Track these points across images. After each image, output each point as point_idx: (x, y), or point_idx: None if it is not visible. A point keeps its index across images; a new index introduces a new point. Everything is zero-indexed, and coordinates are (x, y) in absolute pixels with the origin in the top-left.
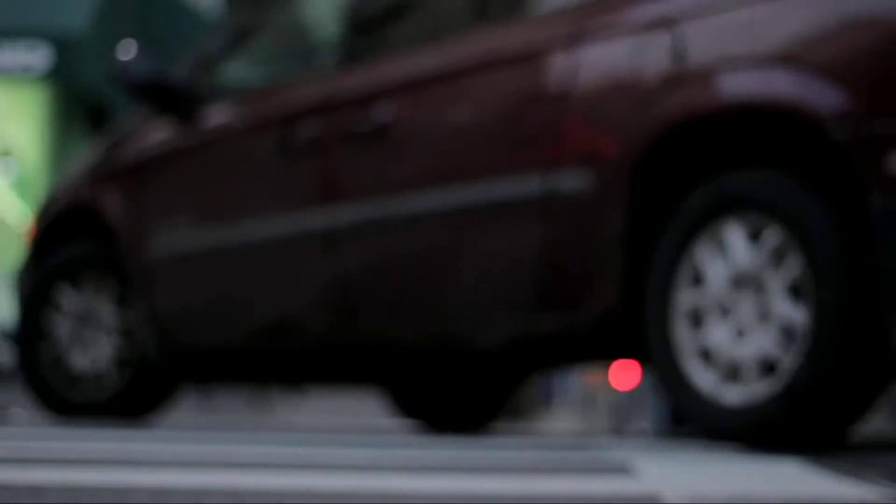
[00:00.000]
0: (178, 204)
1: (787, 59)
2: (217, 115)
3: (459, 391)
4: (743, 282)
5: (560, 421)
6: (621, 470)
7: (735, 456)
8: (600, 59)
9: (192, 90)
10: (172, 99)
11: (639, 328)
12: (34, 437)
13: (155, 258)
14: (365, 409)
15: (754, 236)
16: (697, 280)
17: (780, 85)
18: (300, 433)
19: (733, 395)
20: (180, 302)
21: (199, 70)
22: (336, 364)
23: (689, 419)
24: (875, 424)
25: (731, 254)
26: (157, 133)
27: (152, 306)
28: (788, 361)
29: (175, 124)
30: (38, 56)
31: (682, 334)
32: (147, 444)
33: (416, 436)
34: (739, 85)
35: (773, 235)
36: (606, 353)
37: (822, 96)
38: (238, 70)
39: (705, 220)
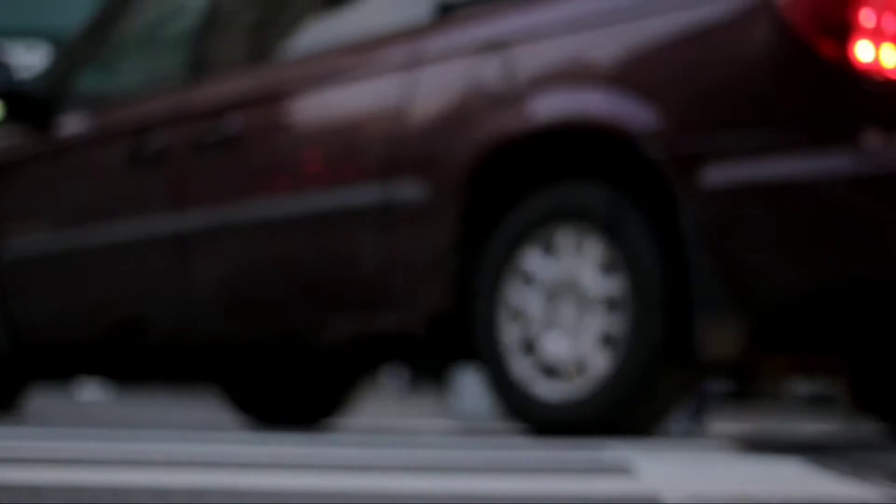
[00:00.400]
0: (33, 208)
1: (606, 80)
2: (72, 124)
3: (297, 388)
4: (567, 286)
5: None
6: (621, 470)
7: (735, 456)
8: (437, 79)
9: (47, 99)
10: (28, 107)
11: (470, 329)
12: (34, 437)
13: (9, 259)
14: (363, 408)
15: (581, 245)
16: (525, 279)
17: (597, 105)
18: (300, 433)
19: (548, 390)
20: (34, 301)
21: (55, 77)
22: (184, 361)
23: (508, 411)
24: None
25: (558, 258)
26: (13, 139)
27: (7, 305)
28: (602, 367)
29: (30, 132)
30: (38, 56)
31: (506, 329)
32: (147, 444)
33: (415, 436)
34: (559, 105)
35: (597, 247)
36: (440, 353)
37: (635, 115)
38: (93, 79)
39: (538, 224)
